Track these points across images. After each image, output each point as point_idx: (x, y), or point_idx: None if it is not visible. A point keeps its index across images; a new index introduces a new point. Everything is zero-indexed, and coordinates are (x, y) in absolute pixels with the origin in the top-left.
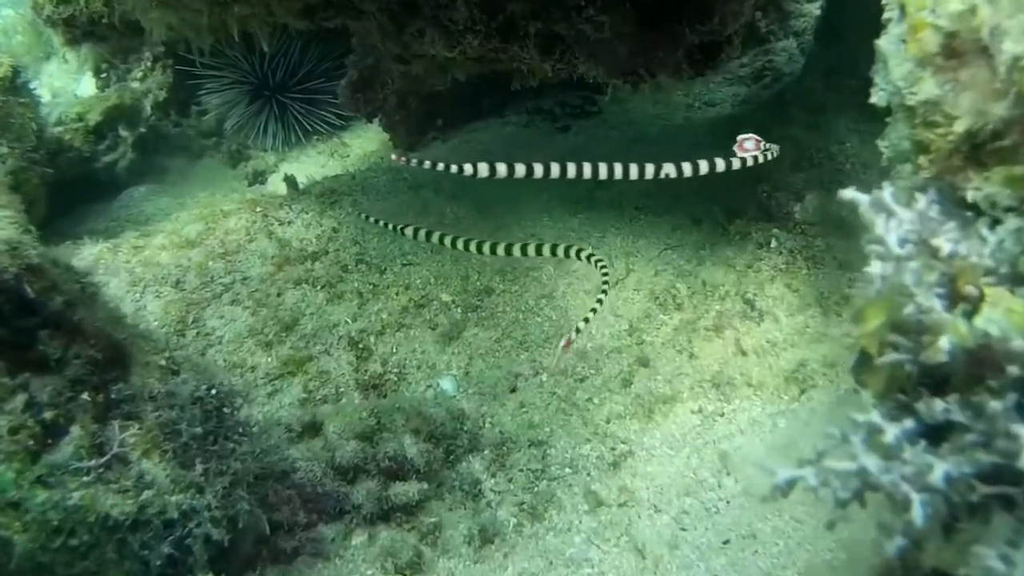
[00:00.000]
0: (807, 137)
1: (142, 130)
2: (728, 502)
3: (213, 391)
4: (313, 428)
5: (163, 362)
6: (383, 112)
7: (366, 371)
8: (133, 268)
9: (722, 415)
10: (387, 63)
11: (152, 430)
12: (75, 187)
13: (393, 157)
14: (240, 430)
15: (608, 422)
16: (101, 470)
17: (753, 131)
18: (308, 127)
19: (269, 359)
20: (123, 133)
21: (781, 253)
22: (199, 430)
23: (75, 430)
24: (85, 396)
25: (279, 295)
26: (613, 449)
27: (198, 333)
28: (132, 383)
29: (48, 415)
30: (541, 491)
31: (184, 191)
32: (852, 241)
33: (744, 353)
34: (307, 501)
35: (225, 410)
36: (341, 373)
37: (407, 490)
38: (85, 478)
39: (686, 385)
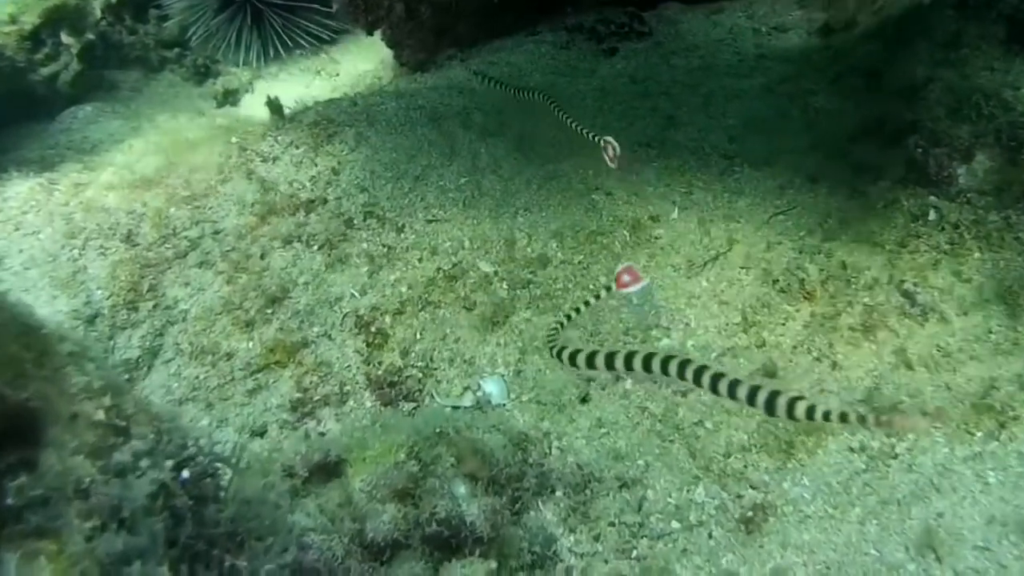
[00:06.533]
0: (962, 80)
1: (89, 37)
2: None
3: (185, 473)
4: (325, 471)
5: (102, 414)
6: (387, 23)
7: (380, 363)
8: (72, 214)
9: (895, 457)
10: None
11: (80, 561)
12: (6, 103)
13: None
14: (229, 534)
15: (727, 456)
16: None
17: (856, 72)
18: (289, 40)
19: (250, 344)
20: (66, 40)
21: (943, 229)
22: (164, 568)
23: None
24: None
25: (262, 256)
26: (740, 497)
27: (155, 306)
28: (44, 469)
29: None
30: (644, 558)
31: (139, 112)
32: None
33: (909, 366)
34: None
35: (206, 502)
36: (347, 365)
37: (470, 573)
38: None
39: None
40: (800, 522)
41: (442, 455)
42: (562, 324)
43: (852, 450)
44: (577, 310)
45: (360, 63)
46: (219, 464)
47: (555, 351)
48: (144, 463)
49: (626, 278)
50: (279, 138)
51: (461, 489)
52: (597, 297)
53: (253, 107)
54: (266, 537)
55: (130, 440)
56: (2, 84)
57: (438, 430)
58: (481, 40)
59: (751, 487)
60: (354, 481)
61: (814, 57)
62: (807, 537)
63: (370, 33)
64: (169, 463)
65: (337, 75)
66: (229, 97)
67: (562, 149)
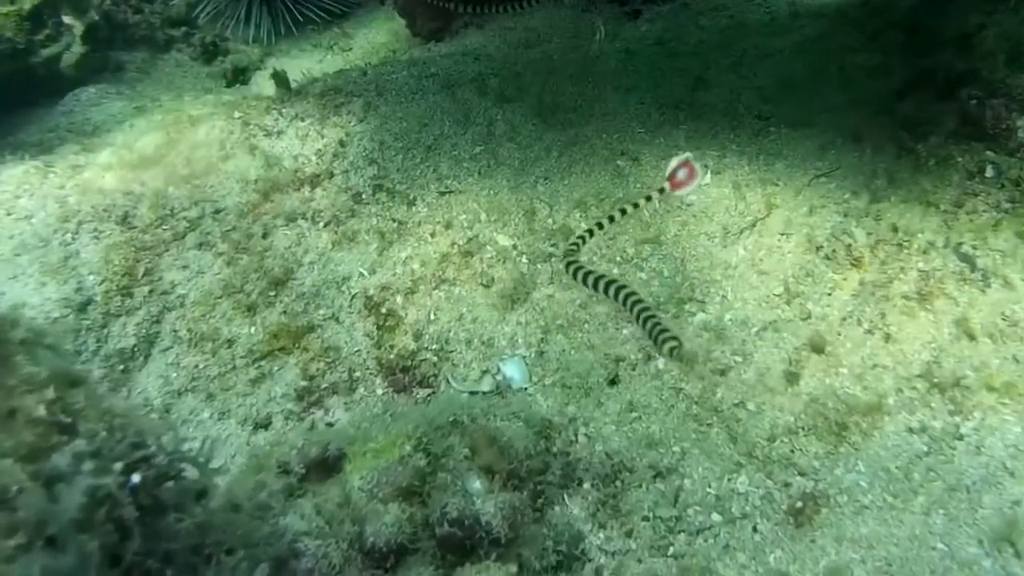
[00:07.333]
0: (1020, 25)
1: (93, 17)
2: None
3: (135, 477)
4: (324, 468)
5: (43, 410)
6: None
7: (392, 347)
8: (66, 196)
9: (960, 437)
10: None
11: None
12: (6, 87)
13: None
14: (193, 548)
15: (772, 440)
16: None
17: (898, 27)
18: (300, 15)
19: (252, 329)
20: (68, 20)
21: (1003, 186)
22: None
23: None
24: None
25: (265, 236)
26: (787, 486)
27: (151, 291)
28: None
29: None
30: (682, 556)
31: (145, 93)
32: None
33: (971, 336)
34: None
35: (163, 511)
36: (356, 350)
37: None
38: None
39: (888, 384)
40: (856, 513)
41: (455, 446)
42: (591, 232)
43: (912, 431)
44: (611, 218)
45: (374, 35)
46: (184, 465)
47: (568, 264)
48: (87, 466)
49: (682, 174)
50: (284, 111)
51: (476, 484)
52: (624, 212)
53: (264, 86)
54: (238, 549)
55: (74, 439)
56: (2, 67)
57: (452, 418)
58: (494, 6)
59: (800, 474)
60: (352, 478)
61: (851, 13)
62: (865, 530)
63: (381, 2)
64: (118, 466)
65: (350, 50)
66: (239, 76)
67: (584, 114)
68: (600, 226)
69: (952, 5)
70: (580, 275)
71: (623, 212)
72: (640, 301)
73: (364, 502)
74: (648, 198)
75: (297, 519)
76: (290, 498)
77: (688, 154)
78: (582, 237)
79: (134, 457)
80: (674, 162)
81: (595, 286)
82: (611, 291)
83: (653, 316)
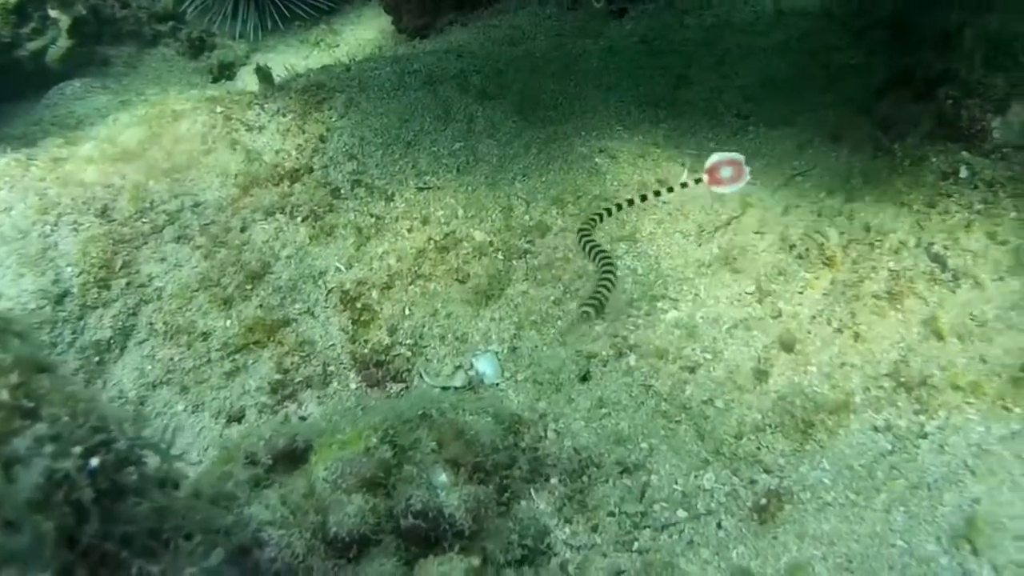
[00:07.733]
0: (999, 26)
1: (80, 11)
2: None
3: (94, 461)
4: (291, 459)
5: (6, 394)
6: None
7: (366, 341)
8: (46, 188)
9: (924, 436)
10: None
11: None
12: None
13: None
14: (151, 532)
15: (739, 438)
16: None
17: (882, 26)
18: (287, 11)
19: (228, 322)
20: (54, 13)
21: (976, 187)
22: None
23: None
24: None
25: (243, 230)
26: (753, 483)
27: (129, 284)
28: None
29: None
30: (646, 551)
31: (130, 87)
32: None
33: (940, 336)
34: None
35: (123, 495)
36: (331, 344)
37: (447, 572)
38: None
39: (856, 383)
40: (819, 510)
41: (422, 439)
42: (619, 206)
43: (877, 429)
44: (643, 197)
45: (363, 31)
46: (145, 451)
47: (582, 235)
48: (47, 449)
49: (726, 172)
50: (266, 106)
51: (442, 477)
52: (657, 193)
53: (249, 81)
54: (196, 535)
55: (36, 423)
56: None
57: (420, 412)
58: (483, 3)
59: (765, 471)
60: (317, 469)
61: (836, 11)
62: (827, 527)
63: None
64: (77, 449)
65: (337, 46)
66: (225, 71)
67: (564, 112)
68: (631, 202)
69: (934, 3)
70: (583, 242)
71: (657, 194)
72: (609, 266)
73: (328, 492)
74: (684, 184)
75: (262, 509)
76: (256, 488)
77: (738, 155)
78: (608, 209)
79: (94, 441)
80: (717, 157)
81: (590, 253)
82: (596, 258)
83: (604, 282)
